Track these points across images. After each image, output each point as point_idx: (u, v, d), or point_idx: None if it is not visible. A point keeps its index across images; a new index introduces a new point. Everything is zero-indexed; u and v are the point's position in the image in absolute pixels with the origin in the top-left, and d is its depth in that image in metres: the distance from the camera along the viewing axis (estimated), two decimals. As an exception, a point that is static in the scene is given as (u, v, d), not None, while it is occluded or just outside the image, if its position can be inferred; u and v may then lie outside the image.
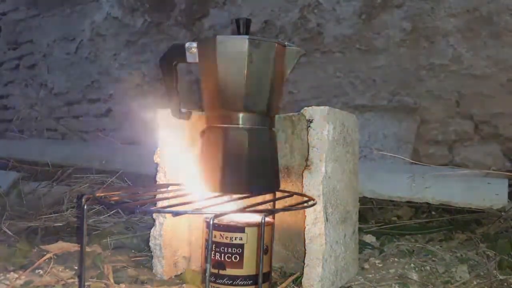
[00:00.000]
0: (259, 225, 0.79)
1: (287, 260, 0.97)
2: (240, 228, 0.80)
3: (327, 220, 0.81)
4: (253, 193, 0.81)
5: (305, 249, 0.82)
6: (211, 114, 0.83)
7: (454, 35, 1.62)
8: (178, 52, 0.84)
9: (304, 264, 0.81)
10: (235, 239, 0.79)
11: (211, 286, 0.81)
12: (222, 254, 0.80)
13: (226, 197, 0.80)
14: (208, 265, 0.62)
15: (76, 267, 0.94)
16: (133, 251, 1.07)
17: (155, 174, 0.94)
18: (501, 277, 0.91)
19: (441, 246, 1.13)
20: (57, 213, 1.38)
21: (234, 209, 0.72)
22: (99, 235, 1.15)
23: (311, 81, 1.89)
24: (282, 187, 0.89)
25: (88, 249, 1.04)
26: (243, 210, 0.72)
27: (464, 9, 1.61)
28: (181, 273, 0.93)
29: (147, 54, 2.41)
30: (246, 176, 0.79)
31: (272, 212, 0.86)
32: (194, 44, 0.83)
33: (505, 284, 0.89)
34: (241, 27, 0.82)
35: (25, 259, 0.99)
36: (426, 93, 1.67)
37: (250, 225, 0.80)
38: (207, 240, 0.83)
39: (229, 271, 0.80)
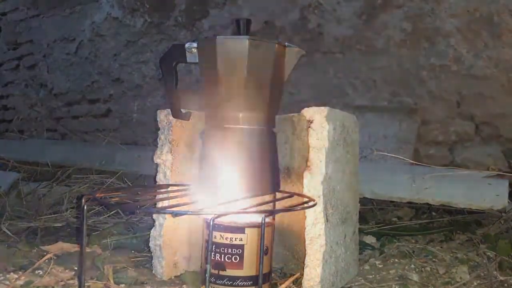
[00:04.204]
0: (259, 226, 0.78)
1: (287, 260, 0.97)
2: (240, 229, 0.80)
3: (327, 221, 0.81)
4: (253, 193, 0.80)
5: (305, 250, 0.81)
6: (211, 114, 0.83)
7: (454, 35, 1.62)
8: (178, 52, 0.84)
9: (304, 264, 0.81)
10: (235, 240, 0.79)
11: (211, 286, 0.81)
12: (222, 255, 0.80)
13: (226, 198, 0.80)
14: (208, 266, 0.62)
15: (76, 268, 0.94)
16: (133, 251, 1.07)
17: (155, 174, 0.94)
18: (501, 278, 0.91)
19: (441, 247, 1.12)
20: (57, 213, 1.38)
21: (234, 210, 0.72)
22: (99, 235, 1.14)
23: (311, 81, 1.88)
24: (282, 187, 0.89)
25: (88, 249, 1.04)
26: (243, 211, 0.72)
27: (465, 9, 1.60)
28: (181, 274, 0.93)
29: (147, 55, 2.41)
30: (246, 176, 0.79)
31: (272, 212, 0.85)
32: (194, 45, 0.83)
33: (506, 285, 0.89)
34: (241, 27, 0.82)
35: (25, 260, 0.98)
36: (427, 93, 1.67)
37: (250, 225, 0.80)
38: (207, 241, 0.82)
39: (229, 272, 0.80)
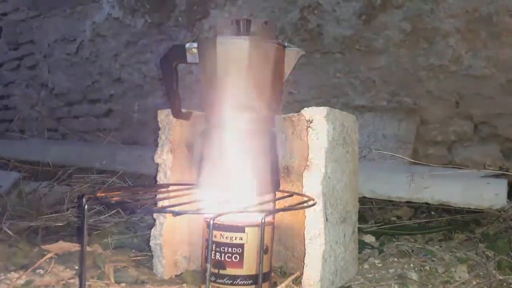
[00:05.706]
0: (259, 225, 0.79)
1: (287, 260, 0.98)
2: (240, 228, 0.80)
3: (326, 220, 0.82)
4: (253, 193, 0.81)
5: (305, 249, 0.82)
6: (211, 114, 0.84)
7: (453, 35, 1.63)
8: (179, 52, 0.85)
9: (304, 264, 0.81)
10: (235, 239, 0.80)
11: (212, 285, 0.81)
12: (222, 254, 0.80)
13: (226, 197, 0.80)
14: (208, 265, 0.62)
15: (77, 267, 0.95)
16: (133, 251, 1.07)
17: (155, 174, 0.95)
18: (500, 277, 0.91)
19: (440, 246, 1.13)
20: (58, 213, 1.39)
21: (234, 209, 0.72)
22: (99, 235, 1.15)
23: (311, 81, 1.89)
24: (282, 187, 0.90)
25: (88, 249, 1.04)
26: (243, 210, 0.72)
27: (464, 9, 1.61)
28: (181, 273, 0.94)
29: (148, 55, 2.41)
30: (246, 176, 0.79)
31: (272, 212, 0.86)
32: (195, 45, 0.83)
33: (504, 284, 0.90)
34: (241, 27, 0.82)
35: (26, 259, 0.99)
36: (426, 93, 1.68)
37: (250, 225, 0.81)
38: (207, 240, 0.83)
39: (229, 271, 0.80)
